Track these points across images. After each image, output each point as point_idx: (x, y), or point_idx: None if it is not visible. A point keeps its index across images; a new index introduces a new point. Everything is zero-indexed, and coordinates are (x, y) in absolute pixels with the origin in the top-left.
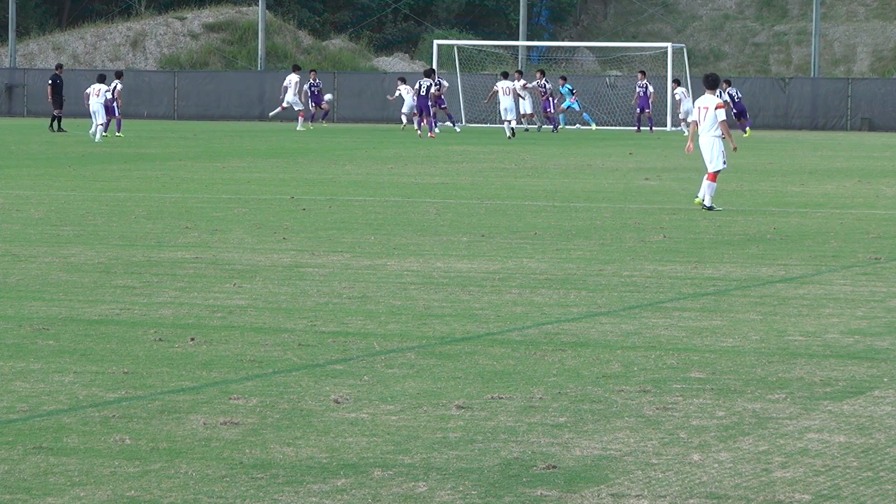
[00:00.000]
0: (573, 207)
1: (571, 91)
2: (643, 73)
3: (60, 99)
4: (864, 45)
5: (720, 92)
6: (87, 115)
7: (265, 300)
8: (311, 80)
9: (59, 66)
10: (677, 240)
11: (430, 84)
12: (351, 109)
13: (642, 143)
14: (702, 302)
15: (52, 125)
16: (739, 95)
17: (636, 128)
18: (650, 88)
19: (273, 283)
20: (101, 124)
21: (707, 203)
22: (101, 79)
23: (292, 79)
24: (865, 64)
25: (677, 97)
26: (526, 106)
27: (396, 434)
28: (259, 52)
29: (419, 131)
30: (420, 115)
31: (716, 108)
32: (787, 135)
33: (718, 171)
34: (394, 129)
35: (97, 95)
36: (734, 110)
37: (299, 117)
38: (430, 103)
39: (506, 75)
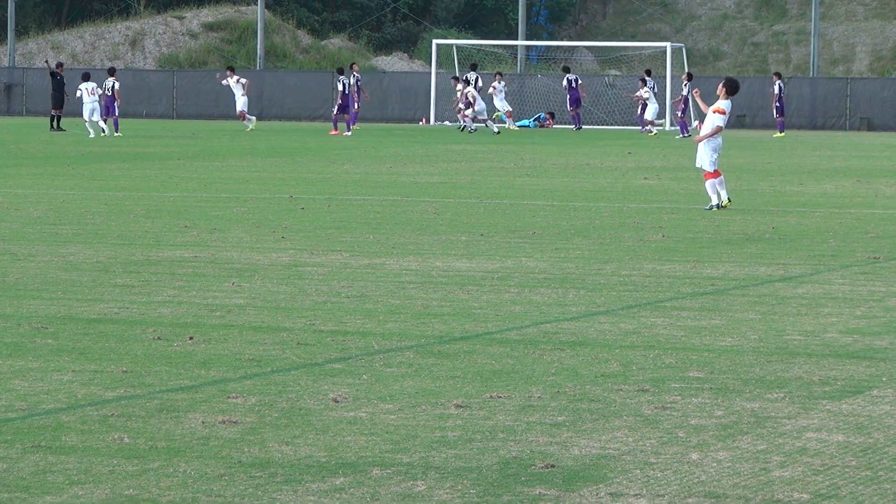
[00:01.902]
0: (572, 206)
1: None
2: (649, 72)
3: (61, 98)
4: (863, 44)
5: (779, 88)
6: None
7: (264, 299)
8: (355, 75)
9: (60, 65)
10: (676, 239)
11: (358, 81)
12: None
13: (641, 142)
14: (700, 301)
15: (51, 125)
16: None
17: (642, 128)
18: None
19: (272, 282)
20: (99, 119)
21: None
22: (86, 77)
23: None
24: (864, 64)
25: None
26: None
27: (395, 433)
28: (258, 52)
29: (345, 130)
30: (343, 113)
31: (713, 112)
32: (786, 134)
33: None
34: (400, 129)
35: (91, 94)
36: (777, 104)
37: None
38: (359, 103)
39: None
